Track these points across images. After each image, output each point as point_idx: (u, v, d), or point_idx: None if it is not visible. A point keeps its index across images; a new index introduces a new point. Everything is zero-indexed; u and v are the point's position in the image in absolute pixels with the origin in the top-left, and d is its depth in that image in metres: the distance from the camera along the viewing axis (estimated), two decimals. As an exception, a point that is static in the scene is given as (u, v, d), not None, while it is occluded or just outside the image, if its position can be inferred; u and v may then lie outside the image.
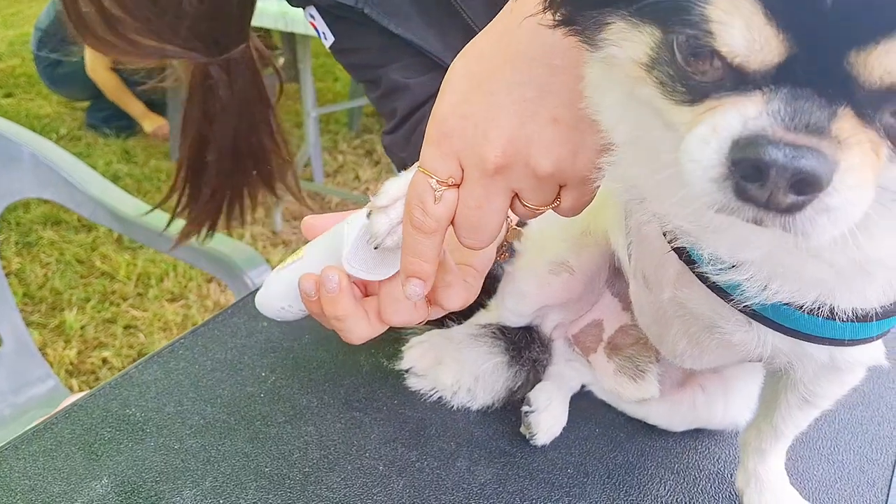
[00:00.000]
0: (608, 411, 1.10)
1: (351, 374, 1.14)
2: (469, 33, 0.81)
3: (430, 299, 0.93)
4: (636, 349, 1.02)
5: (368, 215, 0.86)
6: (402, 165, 1.42)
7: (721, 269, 0.67)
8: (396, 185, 0.82)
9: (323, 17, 1.34)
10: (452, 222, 0.78)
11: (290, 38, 4.53)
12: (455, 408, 1.08)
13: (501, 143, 0.73)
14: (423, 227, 0.77)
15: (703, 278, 0.71)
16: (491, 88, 0.74)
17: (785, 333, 0.71)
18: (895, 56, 0.45)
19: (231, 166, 1.47)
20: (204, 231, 1.55)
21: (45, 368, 2.25)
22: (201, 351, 1.17)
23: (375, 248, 0.87)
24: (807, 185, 0.46)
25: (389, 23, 1.26)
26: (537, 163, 0.73)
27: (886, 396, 1.16)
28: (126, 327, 3.40)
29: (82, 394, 1.83)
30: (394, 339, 1.14)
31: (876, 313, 0.67)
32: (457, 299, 0.92)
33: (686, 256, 0.72)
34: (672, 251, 0.73)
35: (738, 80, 0.49)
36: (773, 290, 0.65)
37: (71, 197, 2.23)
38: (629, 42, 0.55)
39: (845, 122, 0.47)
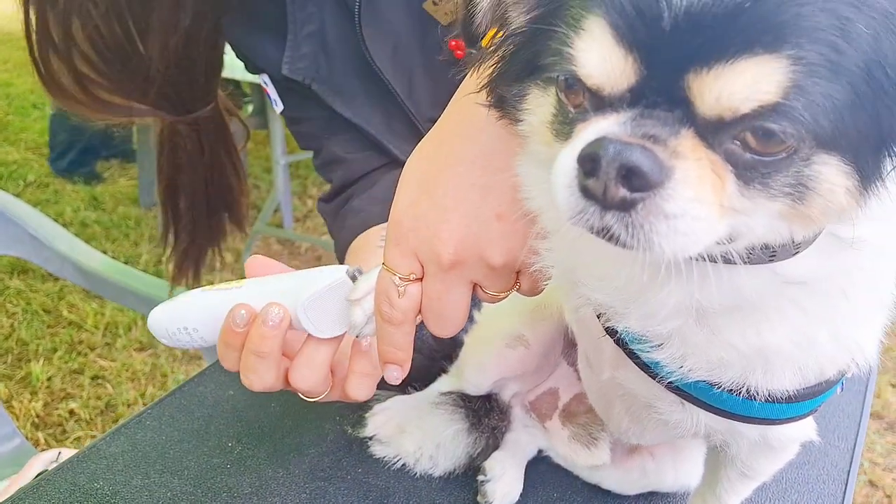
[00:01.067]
0: (565, 476, 1.14)
1: (316, 442, 1.16)
2: (411, 121, 0.86)
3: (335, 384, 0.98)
4: (589, 417, 1.06)
5: (349, 273, 0.90)
6: (331, 233, 1.48)
7: (648, 348, 0.72)
8: (368, 280, 0.87)
9: (275, 86, 1.40)
10: (421, 312, 0.83)
11: (259, 87, 4.58)
12: (418, 475, 1.11)
13: (453, 242, 0.78)
14: (391, 320, 0.83)
15: (634, 359, 0.76)
16: (438, 191, 0.80)
17: (714, 413, 0.76)
18: (724, 82, 0.50)
19: (204, 210, 1.52)
20: (191, 275, 1.58)
21: (11, 426, 2.24)
22: (168, 421, 1.19)
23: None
24: (636, 179, 0.51)
25: (335, 101, 1.32)
26: (490, 256, 0.79)
27: (831, 454, 1.21)
28: (93, 378, 3.38)
29: (47, 454, 1.83)
30: (358, 406, 1.17)
31: (799, 394, 0.72)
32: (364, 390, 0.97)
33: (618, 338, 0.76)
34: (606, 334, 0.77)
35: (600, 104, 0.56)
36: (688, 367, 0.70)
37: (38, 253, 2.23)
38: (541, 108, 0.63)
39: (686, 141, 0.52)
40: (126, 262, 3.90)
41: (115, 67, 1.25)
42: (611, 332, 0.77)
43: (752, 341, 0.67)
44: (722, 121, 0.51)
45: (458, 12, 0.69)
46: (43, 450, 2.53)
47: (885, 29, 0.51)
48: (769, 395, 0.71)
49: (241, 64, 1.45)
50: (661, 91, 0.52)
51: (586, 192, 0.53)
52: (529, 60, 0.63)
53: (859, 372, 0.74)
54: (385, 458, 1.13)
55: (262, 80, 1.41)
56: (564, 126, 0.59)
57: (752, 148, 0.52)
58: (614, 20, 0.52)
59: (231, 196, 1.54)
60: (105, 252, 3.87)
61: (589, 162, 0.52)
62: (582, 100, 0.57)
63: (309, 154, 1.52)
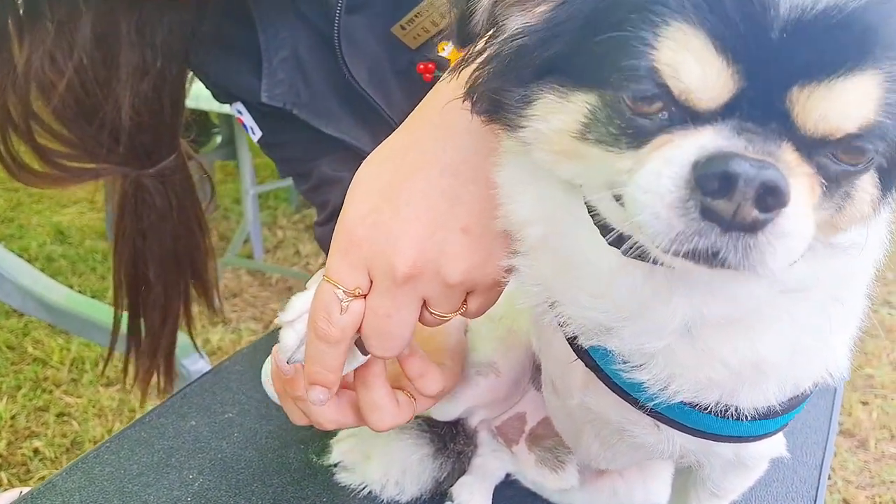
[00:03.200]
0: (534, 499, 1.12)
1: (279, 472, 1.14)
2: None
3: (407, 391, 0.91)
4: (556, 440, 1.05)
5: None
6: None
7: (630, 367, 0.69)
8: (303, 300, 0.82)
9: (251, 113, 1.37)
10: (359, 330, 0.79)
11: (228, 117, 4.57)
12: (384, 501, 1.09)
13: (412, 253, 0.75)
14: (327, 337, 0.78)
15: (608, 383, 0.74)
16: (402, 199, 0.76)
17: (692, 434, 0.74)
18: (832, 101, 0.48)
19: (174, 278, 1.44)
20: (161, 369, 1.50)
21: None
22: (127, 455, 1.16)
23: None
24: (770, 198, 0.48)
25: (320, 124, 1.29)
26: (448, 272, 0.76)
27: (800, 471, 1.21)
28: (59, 415, 3.30)
29: (9, 493, 1.79)
30: (322, 434, 1.15)
31: (777, 409, 0.71)
32: (434, 385, 0.90)
33: (591, 362, 0.74)
34: (577, 359, 0.75)
35: (686, 116, 0.52)
36: (674, 389, 0.68)
37: (-1, 287, 2.20)
38: (557, 114, 0.58)
39: (789, 154, 0.50)
40: (93, 297, 3.84)
41: (80, 126, 1.21)
42: (581, 354, 0.75)
43: (745, 355, 0.65)
44: (825, 140, 0.50)
45: (452, 13, 0.64)
46: (6, 489, 2.47)
47: None
48: (754, 412, 0.70)
49: (206, 92, 1.41)
50: (757, 104, 0.50)
51: (706, 213, 0.49)
52: (544, 62, 0.58)
53: (832, 383, 0.74)
54: (351, 486, 1.11)
55: (236, 108, 1.37)
56: (622, 136, 0.54)
57: (840, 160, 0.52)
58: (714, 28, 0.49)
59: (198, 256, 1.46)
60: (72, 286, 3.81)
61: (719, 180, 0.48)
62: (654, 109, 0.53)
63: (279, 184, 1.47)
